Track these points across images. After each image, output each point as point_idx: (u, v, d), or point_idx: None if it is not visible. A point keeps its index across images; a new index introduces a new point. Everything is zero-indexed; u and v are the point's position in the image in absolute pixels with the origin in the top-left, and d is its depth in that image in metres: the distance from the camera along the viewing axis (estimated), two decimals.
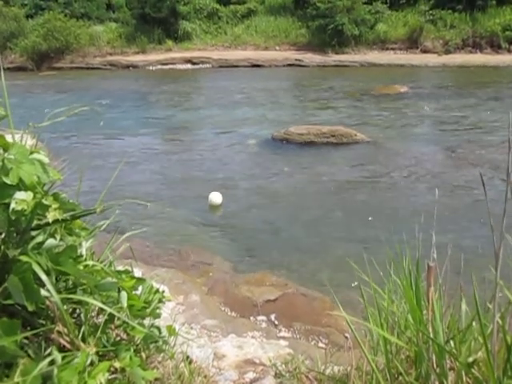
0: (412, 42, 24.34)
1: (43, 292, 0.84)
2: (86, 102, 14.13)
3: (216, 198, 7.01)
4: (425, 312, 1.26)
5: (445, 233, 5.28)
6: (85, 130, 10.88)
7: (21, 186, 0.85)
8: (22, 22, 25.76)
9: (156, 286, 1.34)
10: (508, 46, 22.86)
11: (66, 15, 25.74)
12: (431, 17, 24.54)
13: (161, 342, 1.31)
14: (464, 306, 1.39)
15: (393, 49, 24.57)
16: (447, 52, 23.35)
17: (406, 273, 1.40)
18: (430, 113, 12.71)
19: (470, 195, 6.97)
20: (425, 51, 23.77)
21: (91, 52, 25.10)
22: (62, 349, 0.91)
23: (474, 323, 1.26)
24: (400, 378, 1.31)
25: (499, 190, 6.55)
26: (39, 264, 0.82)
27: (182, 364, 1.68)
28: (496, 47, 23.09)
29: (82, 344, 0.94)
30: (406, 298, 1.32)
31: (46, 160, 0.91)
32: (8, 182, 0.83)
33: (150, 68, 23.78)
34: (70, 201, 0.97)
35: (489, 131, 10.48)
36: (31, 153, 0.90)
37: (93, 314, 1.13)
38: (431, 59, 22.49)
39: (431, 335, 1.17)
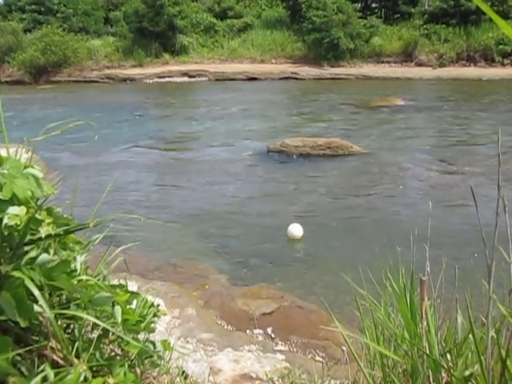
0: (407, 56, 24.64)
1: (36, 308, 0.83)
2: (83, 115, 14.19)
3: (297, 230, 6.19)
4: (420, 326, 1.25)
5: (439, 246, 5.28)
6: (81, 144, 10.88)
7: (14, 200, 0.84)
8: (20, 36, 26.01)
9: (151, 299, 1.33)
10: (501, 60, 23.18)
11: (64, 29, 26.03)
12: (426, 31, 24.92)
13: (156, 357, 1.30)
14: (460, 319, 1.38)
15: (388, 62, 24.86)
16: (442, 65, 23.64)
17: (400, 286, 1.39)
18: (425, 125, 12.80)
19: (464, 207, 6.98)
20: (419, 64, 24.06)
21: (89, 65, 25.31)
22: (55, 365, 0.90)
23: (470, 336, 1.25)
24: None
25: (492, 203, 6.56)
26: (32, 279, 0.81)
27: (178, 379, 1.65)
28: (490, 61, 23.41)
29: (75, 360, 0.93)
30: (401, 312, 1.32)
31: (39, 174, 0.91)
32: (1, 197, 0.82)
33: (147, 81, 23.94)
34: (65, 215, 0.96)
35: (483, 143, 10.56)
36: (25, 167, 0.90)
37: (87, 329, 1.12)
38: (426, 72, 22.75)
39: (426, 349, 1.17)
